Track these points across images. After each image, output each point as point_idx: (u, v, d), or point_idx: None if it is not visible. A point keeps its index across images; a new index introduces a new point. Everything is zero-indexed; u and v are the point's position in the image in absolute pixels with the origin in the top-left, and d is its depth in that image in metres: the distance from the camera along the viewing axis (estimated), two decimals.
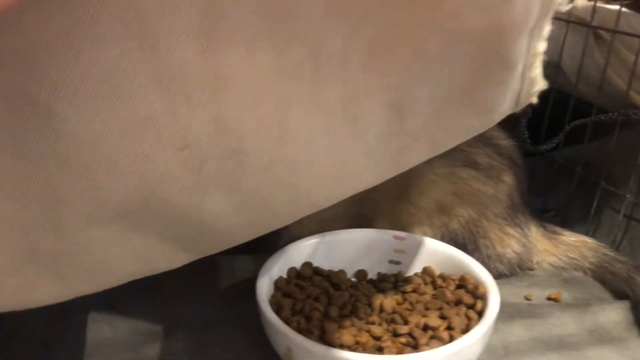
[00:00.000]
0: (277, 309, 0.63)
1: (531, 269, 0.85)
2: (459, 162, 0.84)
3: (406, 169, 0.51)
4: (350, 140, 0.45)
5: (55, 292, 0.40)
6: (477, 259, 0.72)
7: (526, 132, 1.04)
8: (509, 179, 0.85)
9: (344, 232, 0.78)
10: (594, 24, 0.92)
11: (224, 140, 0.38)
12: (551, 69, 1.06)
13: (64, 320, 0.65)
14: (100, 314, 0.70)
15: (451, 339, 0.59)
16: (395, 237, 0.77)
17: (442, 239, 0.80)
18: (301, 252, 0.75)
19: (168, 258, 0.45)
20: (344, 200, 0.85)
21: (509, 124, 0.94)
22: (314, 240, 0.76)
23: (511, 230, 0.83)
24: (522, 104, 0.51)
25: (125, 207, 0.38)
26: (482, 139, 0.87)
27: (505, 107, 0.49)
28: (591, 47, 0.95)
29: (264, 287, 0.66)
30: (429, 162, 0.83)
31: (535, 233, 0.86)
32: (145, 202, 0.38)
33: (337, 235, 0.78)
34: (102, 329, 0.68)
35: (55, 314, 0.62)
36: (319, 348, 0.55)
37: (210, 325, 0.71)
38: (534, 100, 0.50)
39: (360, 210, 0.87)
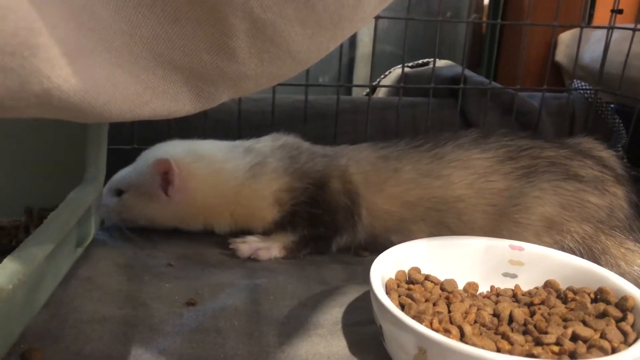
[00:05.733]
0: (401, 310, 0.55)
1: None
2: (561, 175, 0.77)
3: None
4: None
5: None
6: None
7: (624, 157, 0.98)
8: (618, 189, 0.78)
9: (454, 239, 0.71)
10: None
11: None
12: None
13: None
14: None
15: (613, 350, 0.51)
16: (512, 247, 0.69)
17: None
18: (409, 255, 0.67)
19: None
20: (424, 204, 0.81)
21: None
22: (422, 244, 0.68)
23: (632, 245, 0.74)
24: None
25: None
26: (580, 152, 0.82)
27: None
28: None
29: (380, 287, 0.58)
30: (531, 180, 0.79)
31: None
32: None
33: (446, 240, 0.70)
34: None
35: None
36: (471, 349, 0.47)
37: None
38: None
39: (442, 219, 0.81)
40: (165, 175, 0.81)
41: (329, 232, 0.83)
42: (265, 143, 0.89)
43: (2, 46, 0.30)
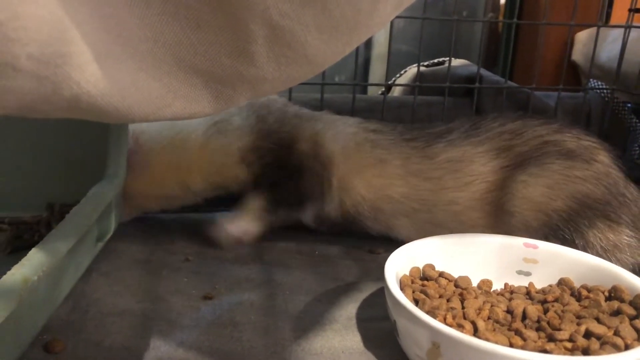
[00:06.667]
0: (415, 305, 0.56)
1: None
2: (553, 156, 0.77)
3: None
4: None
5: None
6: (592, 254, 0.67)
7: None
8: (604, 157, 0.77)
9: (468, 236, 0.71)
10: None
11: None
12: None
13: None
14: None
15: (626, 348, 0.51)
16: (526, 245, 0.69)
17: (547, 240, 0.72)
18: (423, 251, 0.68)
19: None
20: (411, 203, 0.80)
21: (620, 146, 0.88)
22: (436, 241, 0.69)
23: (617, 217, 0.74)
24: None
25: None
26: (567, 125, 0.82)
27: None
28: None
29: (394, 283, 0.59)
30: (524, 168, 0.77)
31: None
32: None
33: (460, 238, 0.71)
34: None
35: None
36: (484, 344, 0.48)
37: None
38: None
39: (433, 219, 0.81)
40: None
41: (295, 198, 0.82)
42: None
43: (37, 56, 0.32)
